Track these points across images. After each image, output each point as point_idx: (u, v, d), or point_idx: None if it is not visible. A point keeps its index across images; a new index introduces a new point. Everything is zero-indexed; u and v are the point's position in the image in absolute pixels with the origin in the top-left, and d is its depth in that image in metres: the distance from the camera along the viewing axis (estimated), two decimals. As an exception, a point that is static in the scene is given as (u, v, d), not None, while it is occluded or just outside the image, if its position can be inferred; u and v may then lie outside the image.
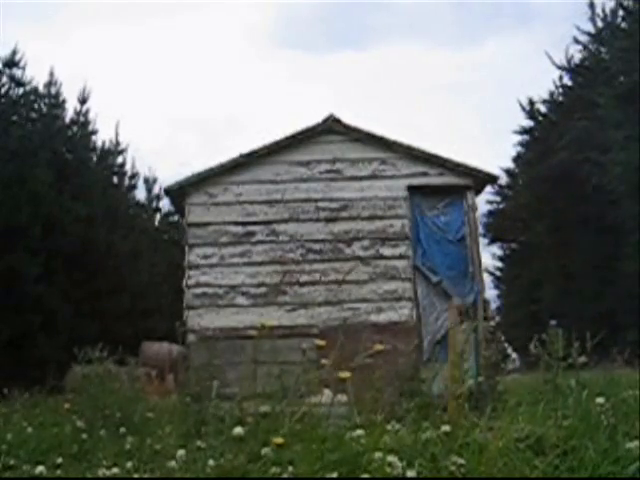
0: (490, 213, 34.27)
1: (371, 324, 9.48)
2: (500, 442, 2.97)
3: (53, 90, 21.89)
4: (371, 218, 9.99)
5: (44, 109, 21.47)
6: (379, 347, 3.85)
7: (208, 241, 9.94)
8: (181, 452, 3.22)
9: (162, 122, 60.77)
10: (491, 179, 10.71)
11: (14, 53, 19.71)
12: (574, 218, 26.94)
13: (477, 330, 9.62)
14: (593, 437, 3.11)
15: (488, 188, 11.30)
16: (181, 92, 61.85)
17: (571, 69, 30.75)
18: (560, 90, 31.56)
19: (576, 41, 29.77)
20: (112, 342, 8.47)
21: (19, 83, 19.89)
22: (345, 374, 3.27)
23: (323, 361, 3.53)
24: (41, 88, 21.34)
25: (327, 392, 3.67)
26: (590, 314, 22.98)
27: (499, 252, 35.38)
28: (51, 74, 21.92)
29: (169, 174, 55.78)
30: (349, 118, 10.36)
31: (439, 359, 8.73)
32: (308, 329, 9.15)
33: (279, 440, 2.86)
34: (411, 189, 10.08)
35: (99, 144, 24.05)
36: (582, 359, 4.48)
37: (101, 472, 3.58)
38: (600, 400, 3.51)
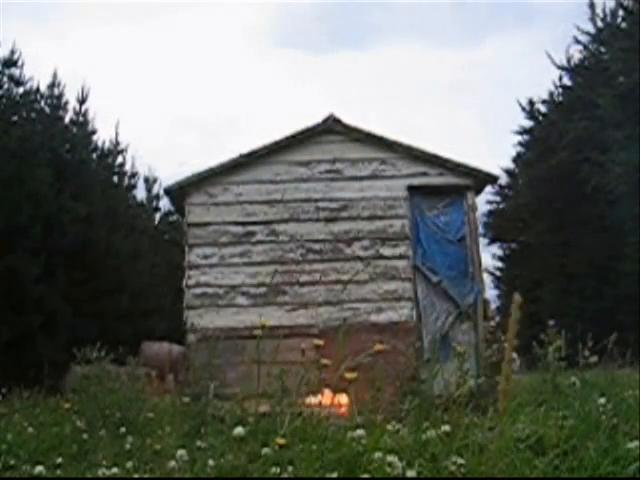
0: (490, 213, 34.29)
1: (371, 324, 9.48)
2: (500, 442, 2.97)
3: (56, 92, 21.89)
4: (371, 218, 9.98)
5: (46, 110, 21.46)
6: (379, 347, 3.86)
7: (208, 241, 9.94)
8: (181, 452, 3.22)
9: (162, 122, 60.84)
10: (491, 179, 10.71)
11: (12, 52, 19.70)
12: (574, 218, 26.93)
13: (477, 330, 9.63)
14: (593, 437, 3.11)
15: (488, 188, 11.31)
16: (181, 92, 61.89)
17: (571, 69, 30.75)
18: (560, 90, 31.57)
19: (576, 41, 29.79)
20: (112, 342, 8.47)
21: (18, 82, 19.87)
22: (351, 375, 3.27)
23: (323, 361, 3.53)
24: (43, 89, 21.35)
25: (327, 392, 3.67)
26: (590, 314, 22.97)
27: (499, 252, 35.41)
28: (54, 75, 21.94)
29: (169, 174, 55.73)
30: (349, 118, 10.37)
31: (439, 359, 8.73)
32: (308, 329, 9.15)
33: (281, 441, 2.86)
34: (411, 189, 10.08)
35: (99, 144, 24.06)
36: (593, 359, 4.49)
37: (101, 472, 3.57)
38: (601, 400, 3.52)
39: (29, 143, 18.43)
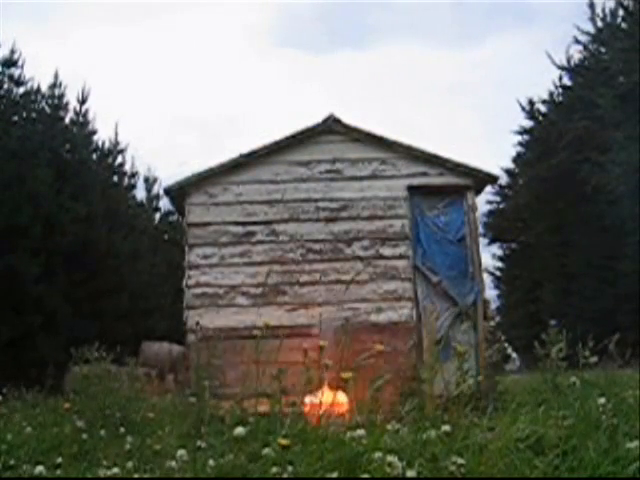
0: (490, 213, 34.30)
1: (371, 324, 9.47)
2: (500, 442, 2.97)
3: (57, 92, 21.90)
4: (371, 218, 9.98)
5: (47, 110, 21.46)
6: (379, 347, 3.85)
7: (208, 241, 9.93)
8: (181, 452, 3.22)
9: (161, 122, 60.89)
10: (491, 179, 10.70)
11: (12, 52, 19.70)
12: (574, 218, 26.94)
13: (477, 330, 9.63)
14: (593, 437, 3.11)
15: (488, 188, 11.29)
16: (181, 92, 61.94)
17: (571, 69, 30.76)
18: (560, 90, 31.58)
19: (576, 41, 29.80)
20: (112, 342, 8.48)
21: (18, 82, 19.87)
22: (348, 374, 3.27)
23: (325, 361, 3.53)
24: (44, 89, 21.36)
25: (327, 392, 3.67)
26: (590, 314, 22.98)
27: (499, 252, 35.43)
28: (55, 76, 21.96)
29: (169, 174, 55.77)
30: (349, 118, 10.36)
31: (439, 359, 8.72)
32: (308, 329, 9.14)
33: (284, 441, 2.86)
34: (411, 189, 10.07)
35: (99, 144, 24.07)
36: (593, 359, 4.49)
37: (101, 472, 3.57)
38: (601, 400, 3.52)
39: (29, 143, 18.43)
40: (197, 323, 9.35)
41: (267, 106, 64.53)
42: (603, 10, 28.52)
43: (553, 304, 27.13)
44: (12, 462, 4.13)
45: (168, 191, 10.56)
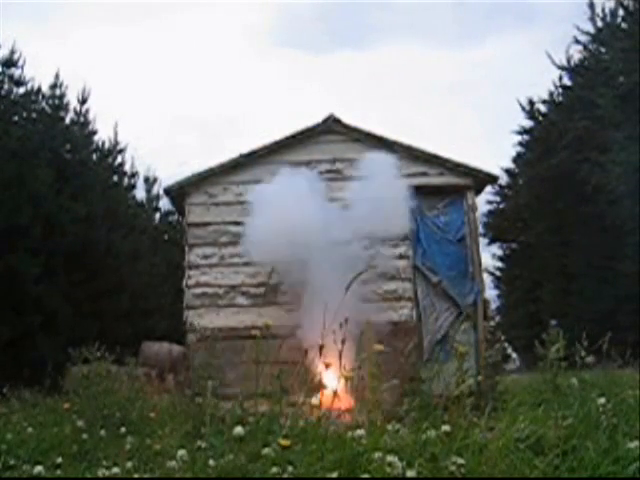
0: (490, 213, 34.26)
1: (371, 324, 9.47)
2: (500, 442, 2.98)
3: (57, 92, 21.87)
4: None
5: (47, 110, 21.43)
6: (379, 347, 3.85)
7: (208, 241, 9.93)
8: (181, 452, 3.22)
9: (161, 122, 60.92)
10: (491, 179, 10.70)
11: (12, 52, 19.67)
12: (574, 218, 26.91)
13: (477, 330, 9.63)
14: (593, 437, 3.12)
15: (488, 188, 11.30)
16: (180, 92, 61.97)
17: (571, 69, 30.72)
18: (560, 90, 31.54)
19: (576, 41, 29.75)
20: (112, 342, 8.47)
21: (18, 82, 19.84)
22: (348, 374, 3.27)
23: (325, 361, 3.53)
24: (45, 89, 21.33)
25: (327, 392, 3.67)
26: (590, 314, 22.96)
27: (499, 252, 35.38)
28: (56, 76, 21.94)
29: (169, 174, 55.74)
30: (349, 118, 10.36)
31: (439, 359, 8.74)
32: (308, 329, 9.13)
33: (285, 442, 2.86)
34: (411, 189, 10.06)
35: (99, 144, 24.03)
36: (590, 359, 4.49)
37: (101, 472, 3.57)
38: (601, 400, 3.52)
39: (29, 143, 18.40)
40: (190, 324, 9.35)
41: (267, 106, 64.51)
42: (603, 10, 28.46)
43: (553, 304, 27.11)
44: (12, 462, 4.13)
45: (168, 191, 10.56)
